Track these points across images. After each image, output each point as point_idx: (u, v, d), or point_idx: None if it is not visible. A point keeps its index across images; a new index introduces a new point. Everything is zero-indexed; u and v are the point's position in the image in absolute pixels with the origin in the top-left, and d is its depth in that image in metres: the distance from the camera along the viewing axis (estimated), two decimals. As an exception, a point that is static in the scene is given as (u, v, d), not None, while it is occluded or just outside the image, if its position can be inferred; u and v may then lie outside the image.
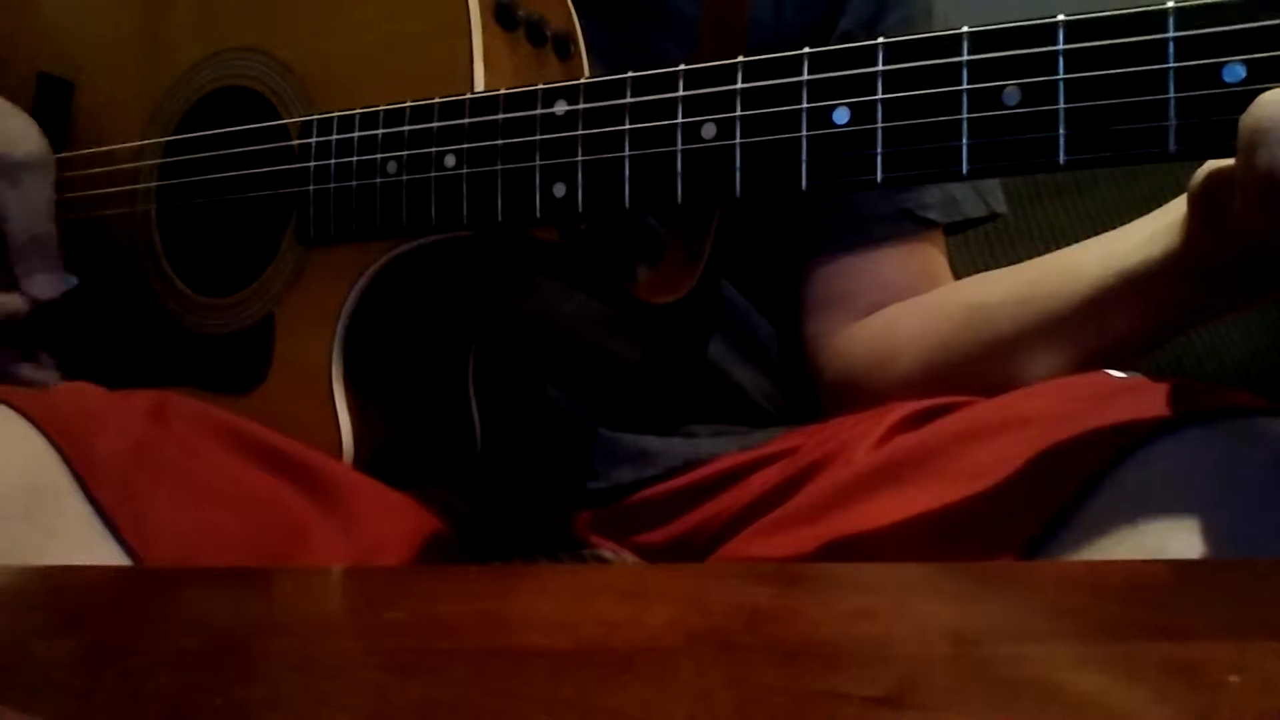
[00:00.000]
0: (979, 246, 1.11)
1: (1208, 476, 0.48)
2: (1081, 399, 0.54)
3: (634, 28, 0.72)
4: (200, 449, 0.57)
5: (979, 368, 0.63)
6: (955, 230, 0.77)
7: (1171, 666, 0.30)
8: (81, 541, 0.50)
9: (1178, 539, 0.47)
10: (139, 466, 0.53)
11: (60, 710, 0.29)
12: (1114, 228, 0.58)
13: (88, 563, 0.50)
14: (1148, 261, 0.54)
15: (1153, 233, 0.54)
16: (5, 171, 0.62)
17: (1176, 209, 0.53)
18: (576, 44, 0.64)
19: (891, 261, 0.74)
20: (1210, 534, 0.47)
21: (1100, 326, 0.58)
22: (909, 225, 0.74)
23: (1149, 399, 0.53)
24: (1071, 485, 0.50)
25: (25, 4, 0.76)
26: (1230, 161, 0.45)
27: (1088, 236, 0.60)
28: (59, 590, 0.43)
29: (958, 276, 0.77)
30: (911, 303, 0.72)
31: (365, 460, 0.62)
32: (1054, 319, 0.60)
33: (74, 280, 0.64)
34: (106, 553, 0.50)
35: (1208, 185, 0.49)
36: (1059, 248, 0.63)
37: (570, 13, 0.64)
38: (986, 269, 0.71)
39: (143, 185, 0.69)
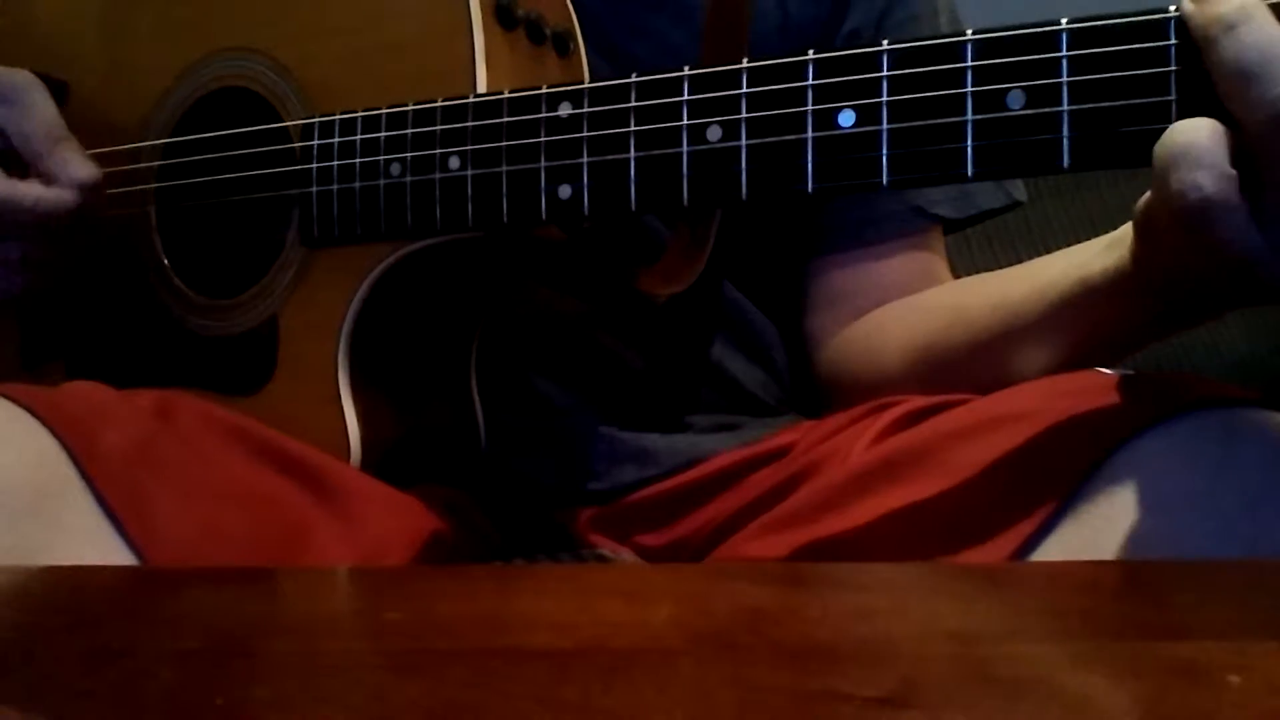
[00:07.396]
0: (979, 246, 1.11)
1: (1200, 469, 0.49)
2: (1074, 394, 0.54)
3: (636, 11, 0.72)
4: (205, 448, 0.57)
5: (961, 368, 0.65)
6: (972, 223, 0.77)
7: (1171, 666, 0.30)
8: (87, 538, 0.50)
9: (1171, 532, 0.48)
10: (144, 464, 0.53)
11: (61, 710, 0.29)
12: (1114, 228, 0.58)
13: (94, 560, 0.50)
14: (1104, 272, 0.55)
15: (1109, 244, 0.55)
16: (5, 97, 0.64)
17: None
18: (575, 41, 0.64)
19: (895, 260, 0.74)
20: (1203, 526, 0.47)
21: (1070, 332, 0.59)
22: (919, 221, 0.74)
23: (1141, 393, 0.53)
24: (1066, 481, 0.50)
25: (18, 4, 0.76)
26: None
27: (1087, 237, 0.61)
28: (60, 589, 0.44)
29: (957, 276, 0.77)
30: (900, 304, 0.72)
31: (372, 460, 0.62)
32: (1025, 325, 0.61)
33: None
34: (112, 550, 0.50)
35: (1145, 208, 0.50)
36: (1058, 248, 0.63)
37: (569, 11, 0.64)
38: (987, 269, 0.72)
39: (142, 187, 0.69)
